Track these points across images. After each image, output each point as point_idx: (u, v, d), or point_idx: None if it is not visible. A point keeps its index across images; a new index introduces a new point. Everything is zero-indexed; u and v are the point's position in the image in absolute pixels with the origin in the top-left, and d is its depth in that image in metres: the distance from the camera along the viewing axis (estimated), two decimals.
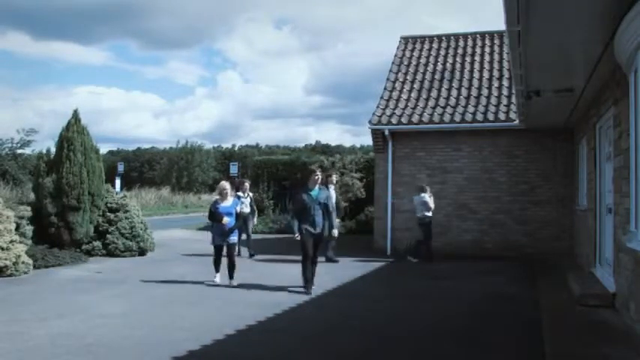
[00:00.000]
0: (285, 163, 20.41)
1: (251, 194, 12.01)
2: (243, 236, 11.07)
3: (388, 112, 12.73)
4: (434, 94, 13.23)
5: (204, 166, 54.12)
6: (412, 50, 15.12)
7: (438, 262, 10.68)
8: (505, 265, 10.38)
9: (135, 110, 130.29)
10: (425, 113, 12.45)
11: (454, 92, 13.09)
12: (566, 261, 9.93)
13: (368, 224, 13.09)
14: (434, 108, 12.63)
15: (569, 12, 4.68)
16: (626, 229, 5.49)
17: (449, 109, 12.43)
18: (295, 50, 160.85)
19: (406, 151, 12.48)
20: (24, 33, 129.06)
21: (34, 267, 9.18)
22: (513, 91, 10.35)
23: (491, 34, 14.97)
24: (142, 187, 37.60)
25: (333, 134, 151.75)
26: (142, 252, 11.52)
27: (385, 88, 13.67)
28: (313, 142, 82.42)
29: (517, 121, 11.07)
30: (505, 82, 12.90)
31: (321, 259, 8.64)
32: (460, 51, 14.73)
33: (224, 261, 8.20)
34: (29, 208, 10.48)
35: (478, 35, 15.15)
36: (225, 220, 8.03)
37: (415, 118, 12.29)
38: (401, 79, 13.98)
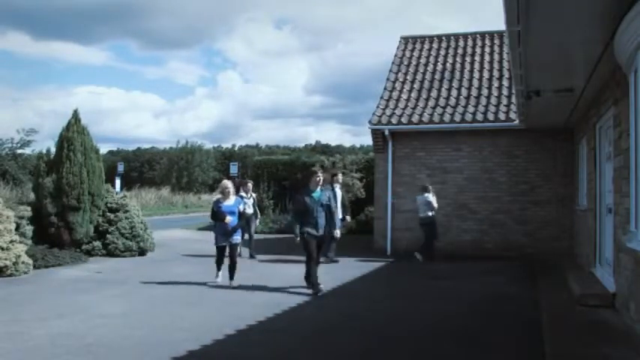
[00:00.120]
0: (285, 163, 20.40)
1: (254, 195, 11.89)
2: (245, 236, 11.03)
3: (388, 112, 12.73)
4: (434, 94, 13.23)
5: (204, 166, 54.12)
6: (412, 50, 15.11)
7: (438, 262, 10.68)
8: (505, 265, 10.38)
9: (135, 110, 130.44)
10: (425, 113, 12.45)
11: (454, 92, 13.09)
12: (566, 261, 9.92)
13: (368, 224, 13.10)
14: (434, 108, 12.63)
15: (569, 12, 4.68)
16: (626, 229, 5.49)
17: (449, 109, 12.43)
18: (295, 50, 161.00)
19: (406, 151, 12.47)
20: (24, 33, 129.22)
21: (34, 267, 9.18)
22: (513, 91, 10.35)
23: (491, 34, 14.97)
24: (142, 187, 37.60)
25: (333, 134, 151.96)
26: (142, 252, 11.52)
27: (385, 88, 13.67)
28: (313, 142, 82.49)
29: (517, 121, 11.07)
30: (505, 82, 12.90)
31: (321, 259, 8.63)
32: (460, 51, 14.72)
33: (225, 261, 8.19)
34: (29, 208, 10.49)
35: (478, 35, 15.14)
36: (228, 219, 7.94)
37: (415, 118, 12.29)
38: (401, 79, 13.98)
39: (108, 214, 11.45)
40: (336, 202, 10.25)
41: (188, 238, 15.92)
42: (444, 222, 11.89)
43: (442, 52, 14.82)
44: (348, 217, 11.21)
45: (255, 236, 11.84)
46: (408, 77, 14.08)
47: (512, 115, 11.56)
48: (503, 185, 11.92)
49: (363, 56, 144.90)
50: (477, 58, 14.27)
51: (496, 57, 14.07)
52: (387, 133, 12.26)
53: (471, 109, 12.30)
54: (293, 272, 9.18)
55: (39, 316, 6.09)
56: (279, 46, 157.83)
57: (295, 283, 7.94)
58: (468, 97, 12.78)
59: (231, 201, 8.13)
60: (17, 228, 9.50)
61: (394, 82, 13.86)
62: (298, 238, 7.49)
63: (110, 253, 11.14)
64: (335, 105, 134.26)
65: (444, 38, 15.41)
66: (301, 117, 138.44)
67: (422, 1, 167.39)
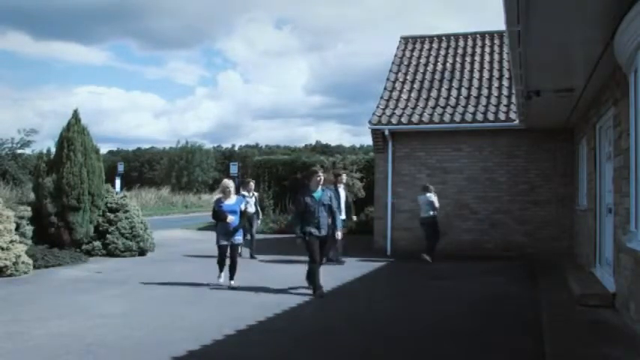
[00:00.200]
0: (285, 163, 20.38)
1: (256, 194, 11.83)
2: (247, 236, 10.98)
3: (388, 112, 12.73)
4: (434, 94, 13.23)
5: (205, 166, 54.16)
6: (412, 50, 15.11)
7: (438, 262, 10.67)
8: (505, 265, 10.38)
9: (135, 110, 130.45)
10: (425, 113, 12.45)
11: (454, 92, 13.09)
12: (566, 261, 9.92)
13: (368, 224, 13.10)
14: (434, 108, 12.63)
15: (569, 12, 4.68)
16: (626, 229, 5.49)
17: (449, 109, 12.43)
18: (295, 50, 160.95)
19: (406, 151, 12.47)
20: (24, 33, 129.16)
21: (34, 267, 9.18)
22: (513, 91, 10.35)
23: (491, 34, 14.97)
24: (142, 187, 37.64)
25: (333, 134, 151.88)
26: (142, 252, 11.53)
27: (385, 88, 13.67)
28: (313, 142, 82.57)
29: (517, 121, 11.07)
30: (505, 82, 12.90)
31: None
32: (460, 51, 14.72)
33: (226, 261, 8.16)
34: (29, 208, 10.50)
35: (478, 35, 15.14)
36: (230, 218, 7.82)
37: (415, 118, 12.29)
38: (401, 79, 13.98)
39: (108, 214, 11.45)
40: (339, 203, 10.26)
41: (188, 238, 15.93)
42: (444, 222, 11.87)
43: (442, 52, 14.82)
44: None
45: (256, 236, 11.82)
46: (408, 77, 14.07)
47: (512, 115, 11.56)
48: (503, 185, 11.92)
49: (363, 56, 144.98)
50: (477, 58, 14.27)
51: (496, 57, 14.07)
52: (387, 133, 12.25)
53: (471, 109, 12.30)
54: (293, 272, 9.18)
55: (39, 316, 6.09)
56: (279, 46, 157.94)
57: (295, 283, 7.94)
58: (468, 97, 12.78)
59: (232, 200, 8.02)
60: (17, 228, 9.50)
61: (394, 82, 13.86)
62: (298, 240, 7.42)
63: (110, 253, 11.14)
64: (335, 105, 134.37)
65: (444, 38, 15.41)
66: (301, 117, 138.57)
67: (422, 1, 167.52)
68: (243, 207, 8.14)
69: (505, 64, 13.38)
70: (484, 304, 7.08)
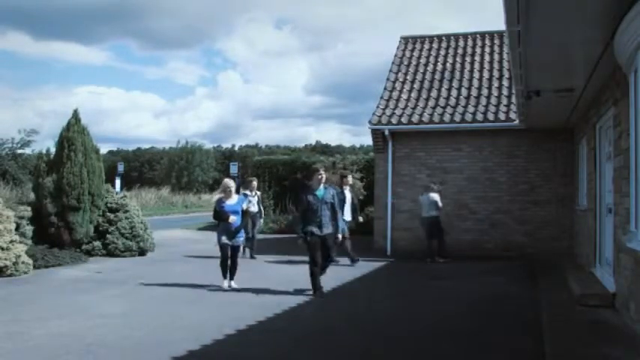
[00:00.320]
0: (285, 163, 20.35)
1: (259, 193, 11.74)
2: (248, 235, 10.91)
3: (388, 112, 12.73)
4: (434, 94, 13.23)
5: (205, 166, 54.15)
6: (412, 50, 15.11)
7: (436, 262, 10.68)
8: (505, 265, 10.38)
9: (135, 110, 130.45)
10: (425, 113, 12.45)
11: (454, 92, 13.09)
12: (566, 261, 9.92)
13: (368, 224, 13.09)
14: (434, 108, 12.63)
15: (569, 12, 4.68)
16: (626, 229, 5.49)
17: (449, 109, 12.43)
18: (295, 50, 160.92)
19: (406, 151, 12.47)
20: (24, 33, 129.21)
21: (34, 267, 9.18)
22: (513, 91, 10.35)
23: (491, 34, 14.96)
24: (142, 187, 37.63)
25: (333, 134, 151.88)
26: (142, 252, 11.53)
27: (385, 88, 13.67)
28: (313, 142, 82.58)
29: (517, 121, 11.07)
30: (505, 82, 12.89)
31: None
32: (460, 51, 14.72)
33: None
34: (29, 208, 10.50)
35: (478, 35, 15.14)
36: (232, 218, 7.69)
37: (415, 118, 12.29)
38: (401, 79, 13.98)
39: (108, 214, 11.45)
40: (344, 204, 10.26)
41: (188, 238, 15.93)
42: (445, 222, 11.82)
43: (442, 52, 14.81)
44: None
45: (257, 236, 11.80)
46: (408, 77, 14.07)
47: (512, 115, 11.56)
48: (503, 185, 11.92)
49: (363, 56, 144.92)
50: (477, 58, 14.27)
51: (496, 57, 14.07)
52: (387, 133, 12.25)
53: (471, 109, 12.30)
54: (293, 272, 9.18)
55: (39, 316, 6.09)
56: (279, 46, 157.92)
57: (295, 283, 7.93)
58: (468, 97, 12.78)
59: (233, 200, 7.89)
60: (17, 228, 9.50)
61: (394, 82, 13.86)
62: (300, 240, 7.35)
63: (110, 253, 11.14)
64: (335, 105, 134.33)
65: (444, 38, 15.40)
66: (301, 117, 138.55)
67: (422, 1, 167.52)
68: (244, 206, 8.03)
69: (505, 64, 13.37)
70: (484, 304, 7.08)
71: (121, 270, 9.62)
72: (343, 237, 8.51)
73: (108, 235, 11.26)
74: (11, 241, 8.80)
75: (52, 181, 10.76)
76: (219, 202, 7.89)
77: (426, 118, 12.27)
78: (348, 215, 10.55)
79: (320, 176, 7.40)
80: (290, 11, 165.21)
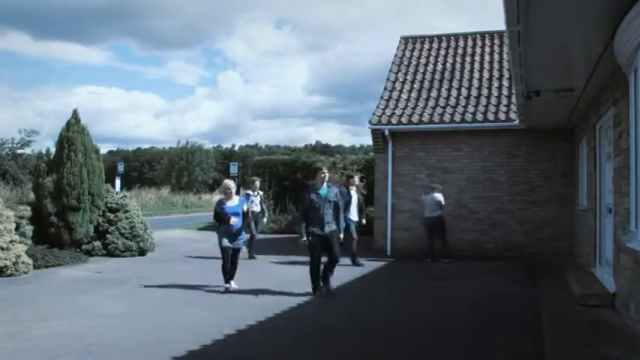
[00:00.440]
0: (285, 163, 20.34)
1: (261, 193, 11.68)
2: (247, 235, 10.85)
3: (388, 112, 12.73)
4: (434, 94, 13.23)
5: (205, 166, 54.13)
6: (412, 50, 15.11)
7: (438, 262, 10.69)
8: (505, 265, 10.38)
9: (135, 110, 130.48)
10: (425, 113, 12.45)
11: (454, 92, 13.09)
12: (566, 261, 9.92)
13: (368, 224, 13.07)
14: (434, 108, 12.62)
15: (569, 12, 4.68)
16: (626, 229, 5.49)
17: (449, 109, 12.43)
18: (295, 50, 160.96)
19: (406, 151, 12.47)
20: (24, 33, 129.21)
21: (34, 267, 9.18)
22: (513, 91, 10.35)
23: (491, 34, 14.96)
24: (142, 187, 37.58)
25: (333, 134, 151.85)
26: (142, 252, 11.53)
27: (385, 88, 13.67)
28: (313, 142, 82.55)
29: (517, 121, 11.07)
30: (505, 82, 12.89)
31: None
32: (460, 51, 14.72)
33: None
34: (29, 208, 10.51)
35: (478, 35, 15.14)
36: (234, 220, 7.53)
37: (415, 118, 12.28)
38: (401, 79, 13.98)
39: (108, 214, 11.45)
40: (349, 204, 10.24)
41: (188, 238, 15.93)
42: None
43: (442, 52, 14.81)
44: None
45: (257, 236, 11.78)
46: (408, 77, 14.07)
47: (512, 115, 11.56)
48: (503, 185, 11.92)
49: (363, 56, 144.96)
50: (477, 58, 14.27)
51: (496, 57, 14.07)
52: (387, 133, 12.25)
53: (471, 109, 12.30)
54: (293, 272, 9.19)
55: (39, 316, 6.09)
56: (279, 46, 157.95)
57: (295, 283, 7.93)
58: (468, 97, 12.78)
59: (234, 201, 7.73)
60: (17, 228, 9.50)
61: (394, 82, 13.85)
62: (304, 238, 7.26)
63: (110, 253, 11.14)
64: (335, 105, 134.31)
65: (444, 38, 15.40)
66: (301, 117, 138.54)
67: (422, 1, 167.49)
68: (245, 208, 7.90)
69: (505, 64, 13.37)
70: (484, 304, 7.08)
71: (121, 270, 9.62)
72: (351, 237, 8.51)
73: (108, 235, 11.26)
74: (11, 241, 8.80)
75: (52, 181, 10.76)
76: (220, 203, 7.77)
77: (426, 118, 12.27)
78: (355, 215, 10.56)
79: (323, 175, 7.35)
80: (290, 11, 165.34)
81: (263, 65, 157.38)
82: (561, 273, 8.77)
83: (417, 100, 13.11)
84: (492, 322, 6.06)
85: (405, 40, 15.54)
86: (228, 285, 7.67)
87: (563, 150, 11.58)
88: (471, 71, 13.81)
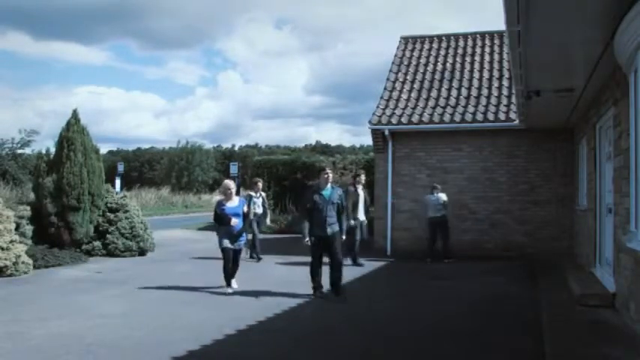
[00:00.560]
0: (285, 163, 20.33)
1: (263, 194, 11.61)
2: (249, 236, 10.78)
3: (388, 112, 12.73)
4: (434, 94, 13.23)
5: (205, 166, 54.13)
6: (412, 50, 15.11)
7: (438, 262, 10.69)
8: (505, 265, 10.38)
9: (135, 110, 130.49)
10: (425, 113, 12.45)
11: (454, 92, 13.09)
12: (566, 261, 9.92)
13: (368, 224, 13.06)
14: (434, 108, 12.62)
15: (569, 12, 4.68)
16: (626, 229, 5.49)
17: (449, 109, 12.43)
18: (295, 50, 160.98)
19: (406, 151, 12.47)
20: (24, 33, 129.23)
21: (34, 267, 9.18)
22: (513, 91, 10.35)
23: (491, 34, 14.97)
24: (142, 187, 37.58)
25: (333, 134, 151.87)
26: (142, 252, 11.52)
27: (385, 88, 13.67)
28: (313, 142, 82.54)
29: (517, 121, 11.07)
30: (505, 82, 12.90)
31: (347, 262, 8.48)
32: (460, 51, 14.72)
33: None
34: (29, 208, 10.51)
35: (478, 35, 15.14)
36: (234, 221, 7.42)
37: (415, 118, 12.28)
38: (401, 79, 13.98)
39: (108, 214, 11.45)
40: (357, 204, 10.25)
41: (188, 238, 15.92)
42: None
43: (442, 52, 14.81)
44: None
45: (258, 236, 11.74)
46: (408, 77, 14.07)
47: (512, 115, 11.56)
48: (503, 185, 11.92)
49: (363, 56, 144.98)
50: (477, 58, 14.27)
51: (496, 57, 14.07)
52: (387, 133, 12.25)
53: (471, 109, 12.30)
54: (293, 272, 9.19)
55: (39, 316, 6.09)
56: (279, 46, 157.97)
57: (295, 283, 7.92)
58: (468, 97, 12.78)
59: (234, 202, 7.60)
60: (17, 228, 9.50)
61: (394, 82, 13.85)
62: (306, 239, 7.16)
63: (110, 253, 11.14)
64: (335, 105, 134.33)
65: (444, 38, 15.41)
66: (301, 117, 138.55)
67: (422, 1, 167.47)
68: (245, 209, 7.78)
69: (505, 64, 13.38)
70: (484, 304, 7.08)
71: (121, 270, 9.62)
72: (353, 238, 8.40)
73: (108, 235, 11.26)
74: (11, 241, 8.80)
75: (52, 181, 10.76)
76: (220, 204, 7.65)
77: (426, 118, 12.27)
78: (362, 215, 10.56)
79: (326, 175, 7.24)
80: (290, 11, 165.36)
81: (263, 65, 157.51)
82: (561, 273, 8.77)
83: (417, 100, 13.11)
84: (492, 322, 6.06)
85: (405, 40, 15.54)
86: (229, 289, 7.53)
87: (563, 150, 11.58)
88: (471, 71, 13.81)
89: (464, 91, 13.03)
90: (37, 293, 7.53)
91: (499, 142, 11.96)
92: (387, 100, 13.21)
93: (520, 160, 11.87)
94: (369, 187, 15.80)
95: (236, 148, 75.49)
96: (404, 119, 12.31)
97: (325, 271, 7.26)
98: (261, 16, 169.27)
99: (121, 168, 29.10)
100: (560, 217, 11.50)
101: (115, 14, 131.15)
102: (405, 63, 14.62)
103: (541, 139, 11.67)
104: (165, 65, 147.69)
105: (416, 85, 13.68)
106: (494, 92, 12.79)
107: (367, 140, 78.84)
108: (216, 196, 8.41)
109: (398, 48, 15.22)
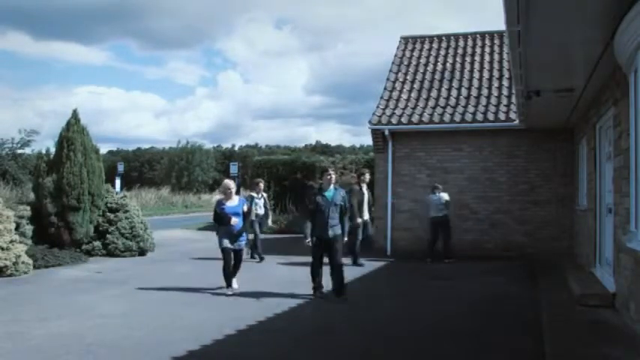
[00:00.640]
0: (285, 163, 20.33)
1: (265, 195, 11.58)
2: (250, 236, 10.74)
3: (388, 112, 12.73)
4: (434, 94, 13.23)
5: (205, 166, 54.12)
6: (412, 50, 15.11)
7: (438, 262, 10.69)
8: (505, 265, 10.38)
9: (135, 110, 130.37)
10: (425, 113, 12.45)
11: (454, 92, 13.09)
12: (566, 261, 9.92)
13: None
14: (434, 108, 12.62)
15: (569, 12, 4.68)
16: (626, 229, 5.49)
17: (449, 109, 12.43)
18: (295, 50, 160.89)
19: (406, 151, 12.47)
20: (24, 33, 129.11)
21: (34, 267, 9.18)
22: (513, 91, 10.35)
23: (491, 34, 14.96)
24: (142, 187, 37.58)
25: (333, 134, 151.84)
26: (142, 252, 11.53)
27: (385, 88, 13.67)
28: (313, 142, 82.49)
29: (517, 121, 11.07)
30: (505, 82, 12.89)
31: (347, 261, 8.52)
32: (460, 51, 14.72)
33: None
34: (29, 208, 10.51)
35: (478, 35, 15.14)
36: (234, 221, 7.36)
37: (415, 118, 12.28)
38: (401, 79, 13.98)
39: (108, 214, 11.45)
40: (362, 202, 10.24)
41: (188, 238, 15.92)
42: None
43: (442, 52, 14.81)
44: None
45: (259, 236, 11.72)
46: (408, 77, 14.07)
47: (512, 115, 11.56)
48: (503, 185, 11.92)
49: (363, 56, 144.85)
50: (477, 58, 14.27)
51: (496, 57, 14.07)
52: (387, 133, 12.25)
53: (471, 109, 12.30)
54: (293, 272, 9.19)
55: (39, 316, 6.09)
56: (279, 46, 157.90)
57: (295, 283, 7.93)
58: (468, 97, 12.78)
59: (234, 202, 7.54)
60: (17, 228, 9.51)
61: (394, 82, 13.85)
62: (307, 240, 7.14)
63: (110, 253, 11.14)
64: (335, 105, 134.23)
65: (444, 38, 15.40)
66: (301, 117, 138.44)
67: (422, 1, 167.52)
68: (246, 207, 7.74)
69: (505, 64, 13.37)
70: (484, 304, 7.08)
71: (121, 270, 9.62)
72: (353, 237, 8.38)
73: (108, 235, 11.26)
74: (11, 241, 8.80)
75: (52, 181, 10.76)
76: (220, 204, 7.60)
77: (426, 118, 12.27)
78: (366, 214, 10.58)
79: (329, 176, 7.18)
80: (290, 11, 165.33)
81: (263, 65, 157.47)
82: (561, 273, 8.77)
83: (417, 100, 13.11)
84: (492, 322, 6.06)
85: (405, 40, 15.54)
86: (229, 290, 7.45)
87: (563, 150, 11.58)
88: (471, 71, 13.81)
89: (464, 91, 13.03)
90: (37, 293, 7.54)
91: (499, 142, 11.96)
92: (387, 100, 13.21)
93: (520, 160, 11.87)
94: (369, 187, 15.92)
95: (236, 148, 75.48)
96: (404, 119, 12.31)
97: (325, 272, 7.26)
98: (261, 16, 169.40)
99: (121, 168, 29.11)
100: (560, 217, 11.51)
101: (115, 14, 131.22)
102: (405, 63, 14.62)
103: (541, 139, 11.67)
104: (165, 65, 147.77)
105: (416, 85, 13.68)
106: (494, 92, 12.79)
107: (367, 140, 78.88)
108: (216, 196, 8.35)
109: (398, 48, 15.22)
